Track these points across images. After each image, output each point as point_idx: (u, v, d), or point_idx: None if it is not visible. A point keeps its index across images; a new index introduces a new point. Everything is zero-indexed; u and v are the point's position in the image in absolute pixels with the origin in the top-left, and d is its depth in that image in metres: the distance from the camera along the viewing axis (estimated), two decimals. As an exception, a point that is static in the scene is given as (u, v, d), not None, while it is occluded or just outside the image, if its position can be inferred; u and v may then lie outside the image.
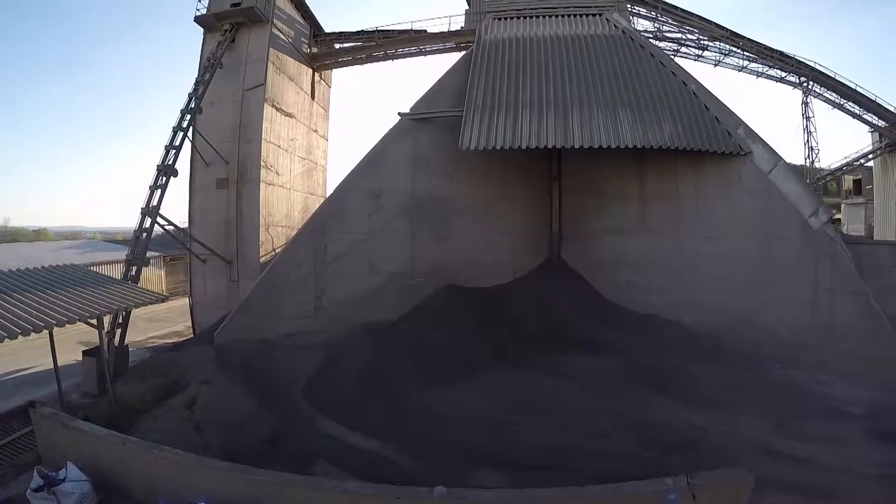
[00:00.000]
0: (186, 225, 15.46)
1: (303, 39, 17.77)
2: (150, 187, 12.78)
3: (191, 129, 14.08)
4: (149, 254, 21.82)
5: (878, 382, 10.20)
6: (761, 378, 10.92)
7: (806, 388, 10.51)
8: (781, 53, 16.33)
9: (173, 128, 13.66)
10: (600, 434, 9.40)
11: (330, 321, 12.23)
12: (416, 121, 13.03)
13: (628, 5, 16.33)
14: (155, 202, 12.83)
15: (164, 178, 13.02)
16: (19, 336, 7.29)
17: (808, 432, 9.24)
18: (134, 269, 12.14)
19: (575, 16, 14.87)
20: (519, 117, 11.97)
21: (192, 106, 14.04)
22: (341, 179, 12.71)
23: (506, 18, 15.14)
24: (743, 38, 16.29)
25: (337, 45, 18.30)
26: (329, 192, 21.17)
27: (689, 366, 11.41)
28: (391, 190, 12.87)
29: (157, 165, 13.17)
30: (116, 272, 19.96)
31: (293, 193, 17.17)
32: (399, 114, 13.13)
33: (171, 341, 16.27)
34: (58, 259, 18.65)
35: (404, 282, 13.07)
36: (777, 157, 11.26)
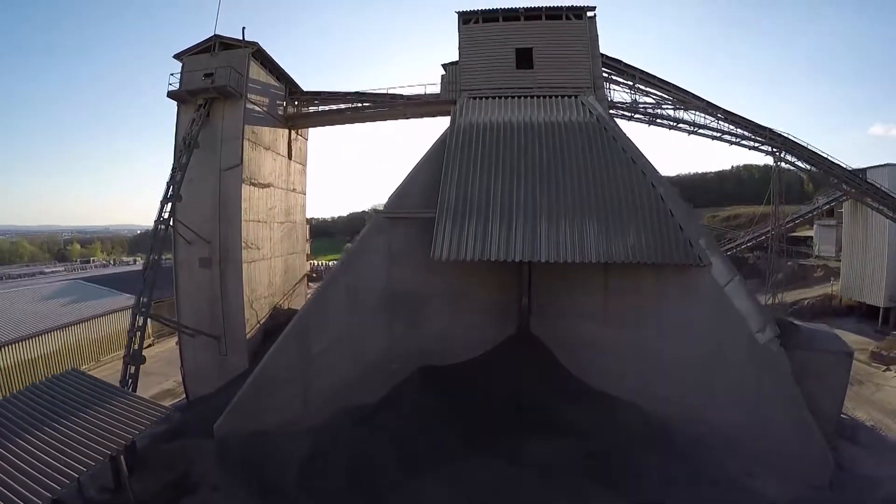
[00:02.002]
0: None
1: (278, 102, 17.70)
2: (137, 296, 13.37)
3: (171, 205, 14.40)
4: (130, 300, 22.62)
5: (802, 478, 11.68)
6: (700, 469, 12.35)
7: (737, 482, 11.98)
8: (755, 124, 16.66)
9: (155, 220, 14.04)
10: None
11: (316, 409, 13.38)
12: (391, 218, 13.52)
13: (605, 72, 16.37)
14: (145, 298, 13.45)
15: (152, 275, 13.60)
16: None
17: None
18: (132, 368, 13.00)
19: (550, 97, 15.00)
20: (489, 226, 12.57)
21: (172, 194, 14.32)
22: (324, 279, 13.27)
23: (481, 98, 15.22)
24: (718, 108, 16.57)
25: (312, 108, 18.18)
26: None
27: (639, 454, 12.78)
28: (368, 287, 13.63)
29: (143, 264, 13.68)
30: (108, 325, 20.72)
31: (274, 260, 17.75)
32: (375, 210, 13.59)
33: (166, 405, 17.32)
34: (45, 315, 19.23)
35: (382, 368, 14.06)
36: (733, 273, 12.10)
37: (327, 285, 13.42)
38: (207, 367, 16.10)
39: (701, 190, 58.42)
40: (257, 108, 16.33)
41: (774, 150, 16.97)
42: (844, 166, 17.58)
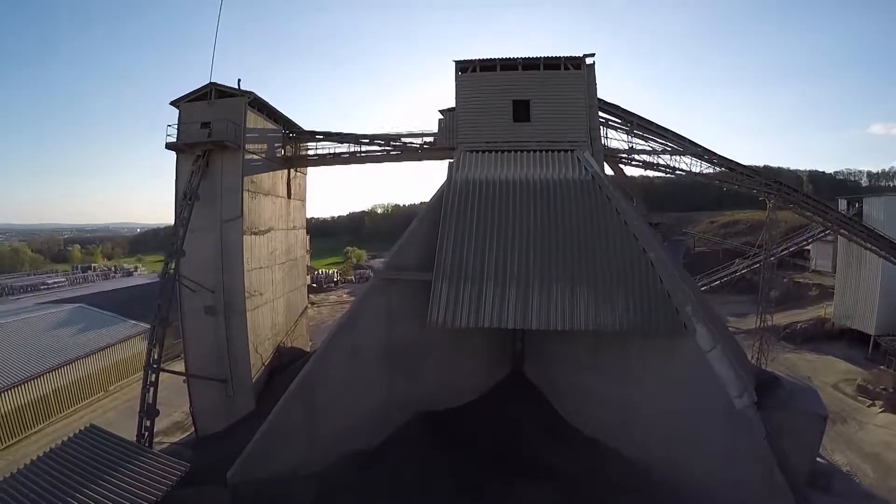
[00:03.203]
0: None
1: (276, 145, 18.08)
2: (148, 344, 14.28)
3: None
4: (138, 327, 23.62)
5: (772, 528, 12.84)
6: (677, 519, 13.52)
7: (712, 532, 13.13)
8: (752, 169, 17.07)
9: (162, 273, 14.79)
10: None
11: (321, 455, 14.59)
12: (390, 279, 14.28)
13: (602, 118, 16.69)
14: (156, 355, 14.40)
15: (161, 331, 14.50)
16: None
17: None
18: (147, 422, 14.06)
19: (546, 151, 15.44)
20: (483, 292, 13.33)
21: (177, 248, 15.05)
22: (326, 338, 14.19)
23: (478, 151, 15.66)
24: (714, 154, 16.95)
25: (310, 149, 18.62)
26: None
27: (620, 500, 13.95)
28: (368, 343, 14.55)
29: (151, 322, 14.55)
30: (115, 354, 21.82)
31: (276, 301, 18.58)
32: (375, 272, 14.34)
33: (176, 440, 18.58)
34: (56, 349, 20.20)
35: (382, 416, 15.15)
36: (717, 340, 12.90)
37: (330, 343, 14.30)
38: (216, 405, 17.19)
39: (700, 191, 58.56)
40: (256, 157, 16.80)
41: (770, 193, 17.47)
42: (836, 209, 18.04)
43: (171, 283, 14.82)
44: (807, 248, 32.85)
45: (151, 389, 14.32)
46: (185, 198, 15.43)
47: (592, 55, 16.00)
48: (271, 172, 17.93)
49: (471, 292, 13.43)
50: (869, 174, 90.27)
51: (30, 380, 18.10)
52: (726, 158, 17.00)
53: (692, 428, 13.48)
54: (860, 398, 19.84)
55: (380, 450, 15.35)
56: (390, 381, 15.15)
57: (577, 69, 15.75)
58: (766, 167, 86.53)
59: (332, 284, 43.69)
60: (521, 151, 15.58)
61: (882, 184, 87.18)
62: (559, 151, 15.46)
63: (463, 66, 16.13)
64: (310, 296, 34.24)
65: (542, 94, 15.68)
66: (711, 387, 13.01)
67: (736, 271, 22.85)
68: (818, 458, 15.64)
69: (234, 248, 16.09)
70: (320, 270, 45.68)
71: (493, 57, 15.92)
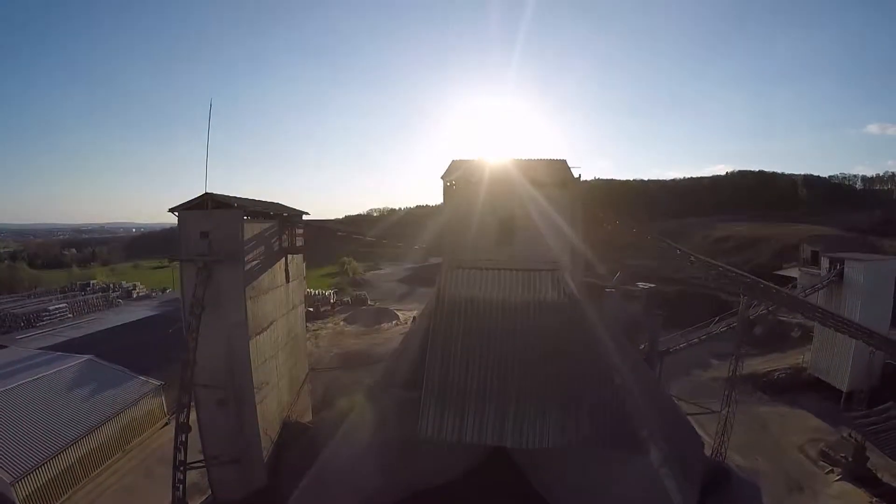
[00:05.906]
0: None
1: (274, 240, 19.97)
2: (174, 449, 17.12)
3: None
4: (148, 384, 26.49)
5: None
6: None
7: None
8: (724, 267, 19.02)
9: (180, 384, 17.40)
10: None
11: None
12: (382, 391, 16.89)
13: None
14: (181, 457, 17.28)
15: (184, 436, 17.28)
16: None
17: None
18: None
19: (529, 271, 17.44)
20: (466, 411, 16.02)
21: (190, 360, 17.52)
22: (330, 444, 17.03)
23: (465, 268, 17.67)
24: (692, 254, 18.88)
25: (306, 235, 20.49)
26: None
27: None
28: (365, 445, 17.34)
29: (175, 422, 17.29)
30: (131, 414, 24.85)
31: (281, 382, 21.27)
32: (370, 385, 16.90)
33: None
34: (74, 418, 22.96)
35: (380, 500, 18.32)
36: (666, 461, 15.68)
37: (333, 449, 17.16)
38: (231, 478, 20.34)
39: (694, 200, 60.60)
40: (255, 262, 18.80)
41: (743, 290, 19.54)
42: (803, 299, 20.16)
43: (188, 393, 17.38)
44: (795, 276, 34.94)
45: (181, 486, 17.30)
46: (193, 310, 17.64)
47: (578, 167, 17.57)
48: (271, 269, 19.97)
49: (454, 410, 16.09)
50: (863, 178, 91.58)
51: (56, 455, 20.84)
52: (700, 257, 18.96)
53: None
54: (821, 463, 22.46)
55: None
56: (385, 469, 18.11)
57: (563, 187, 17.36)
58: (760, 172, 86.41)
59: (329, 307, 45.52)
60: (505, 270, 17.55)
61: (876, 188, 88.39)
62: (541, 271, 17.43)
63: (451, 181, 17.72)
64: (307, 324, 36.97)
65: (527, 215, 17.40)
66: (659, 494, 15.94)
67: (714, 331, 25.30)
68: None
69: (241, 352, 18.54)
70: (316, 291, 47.63)
71: (482, 158, 17.53)
